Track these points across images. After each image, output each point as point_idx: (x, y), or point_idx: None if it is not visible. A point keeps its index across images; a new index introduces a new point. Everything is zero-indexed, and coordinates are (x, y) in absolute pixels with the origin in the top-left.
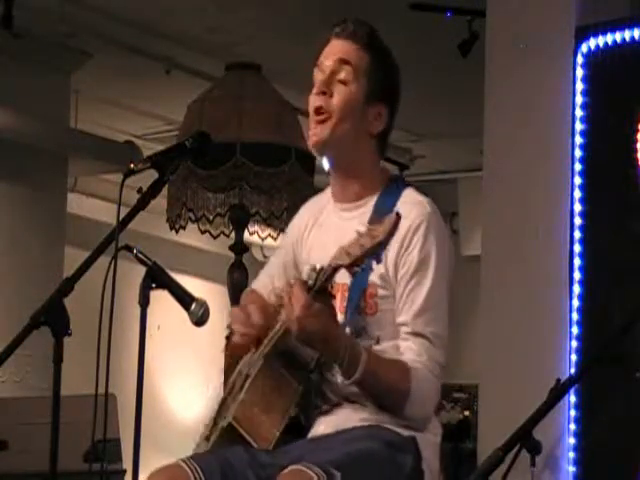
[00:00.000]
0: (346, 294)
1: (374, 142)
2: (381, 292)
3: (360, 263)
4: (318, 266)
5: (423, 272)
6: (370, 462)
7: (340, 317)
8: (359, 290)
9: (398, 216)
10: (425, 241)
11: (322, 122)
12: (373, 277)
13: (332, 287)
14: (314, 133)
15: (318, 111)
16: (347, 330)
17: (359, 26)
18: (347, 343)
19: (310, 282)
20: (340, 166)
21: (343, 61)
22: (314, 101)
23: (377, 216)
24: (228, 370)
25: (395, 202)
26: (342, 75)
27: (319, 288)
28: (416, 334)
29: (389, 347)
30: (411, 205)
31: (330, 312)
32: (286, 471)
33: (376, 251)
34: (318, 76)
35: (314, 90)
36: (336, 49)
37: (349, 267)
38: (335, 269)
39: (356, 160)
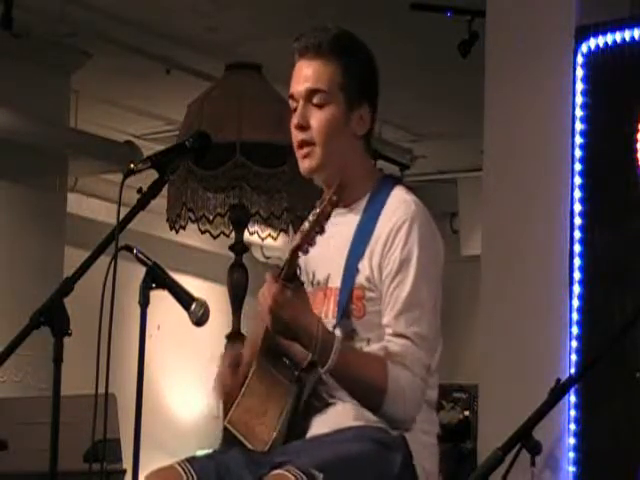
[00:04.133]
0: (337, 298)
1: (361, 143)
2: (368, 294)
3: (307, 239)
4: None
5: (405, 272)
6: (358, 462)
7: (331, 321)
8: (347, 293)
9: (339, 185)
10: (407, 241)
11: (307, 155)
12: (360, 279)
13: (326, 290)
14: (302, 164)
15: (301, 145)
16: (338, 333)
17: (321, 37)
18: (319, 332)
19: (277, 272)
20: (331, 182)
21: (314, 90)
22: (295, 135)
23: (367, 217)
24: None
25: (384, 202)
26: (316, 100)
27: (285, 276)
28: (398, 335)
29: (378, 349)
30: (397, 205)
31: (300, 299)
32: (269, 475)
33: (319, 222)
34: (293, 105)
35: (293, 121)
36: (305, 73)
37: (300, 246)
38: (293, 252)
39: (346, 167)
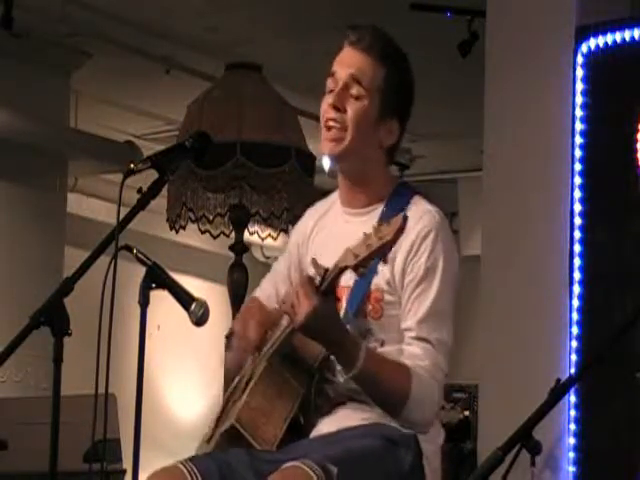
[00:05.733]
0: (348, 297)
1: (383, 154)
2: (387, 297)
3: (366, 264)
4: (324, 266)
5: (430, 279)
6: (369, 458)
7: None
8: (360, 294)
9: (405, 217)
10: (433, 249)
11: (335, 138)
12: (380, 282)
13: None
14: (326, 146)
15: (329, 124)
16: (351, 331)
17: (376, 38)
18: (347, 340)
19: (317, 282)
20: (350, 174)
21: (356, 79)
22: (327, 112)
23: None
24: (229, 371)
25: (404, 209)
26: (354, 91)
27: (326, 289)
28: (420, 339)
29: (394, 351)
30: (421, 213)
31: (333, 311)
32: (282, 468)
33: (383, 251)
34: (331, 85)
35: (327, 100)
36: (351, 61)
37: (355, 268)
38: (342, 270)
39: (365, 169)
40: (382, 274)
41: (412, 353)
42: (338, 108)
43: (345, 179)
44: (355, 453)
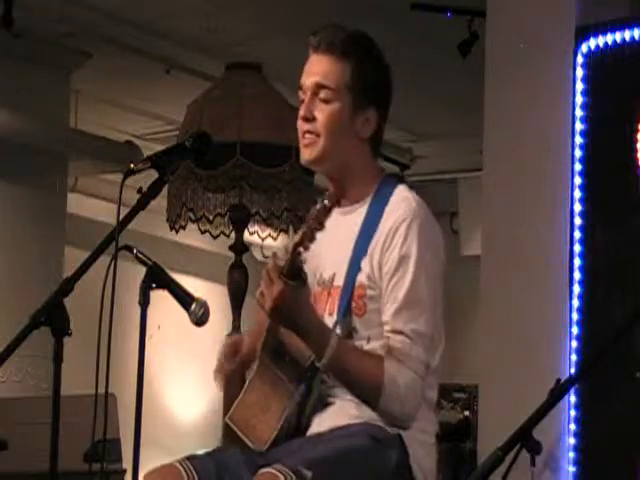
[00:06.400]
0: (339, 297)
1: (366, 145)
2: (369, 292)
3: (304, 240)
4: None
5: (403, 270)
6: (352, 457)
7: (334, 319)
8: (349, 291)
9: (331, 194)
10: (406, 238)
11: (310, 144)
12: (362, 277)
13: (330, 289)
14: (304, 153)
15: (304, 135)
16: (338, 331)
17: (336, 36)
18: (316, 328)
19: (280, 267)
20: (334, 176)
21: (321, 85)
22: (301, 125)
23: (371, 216)
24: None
25: (387, 201)
26: (323, 95)
27: (287, 273)
28: (396, 332)
29: (378, 347)
30: (399, 203)
31: (301, 297)
32: (258, 473)
33: (319, 219)
34: (301, 96)
35: (299, 112)
36: (315, 68)
37: (301, 243)
38: (293, 249)
39: (350, 165)
40: (364, 270)
41: (389, 347)
42: (308, 118)
43: (331, 182)
44: (337, 453)
